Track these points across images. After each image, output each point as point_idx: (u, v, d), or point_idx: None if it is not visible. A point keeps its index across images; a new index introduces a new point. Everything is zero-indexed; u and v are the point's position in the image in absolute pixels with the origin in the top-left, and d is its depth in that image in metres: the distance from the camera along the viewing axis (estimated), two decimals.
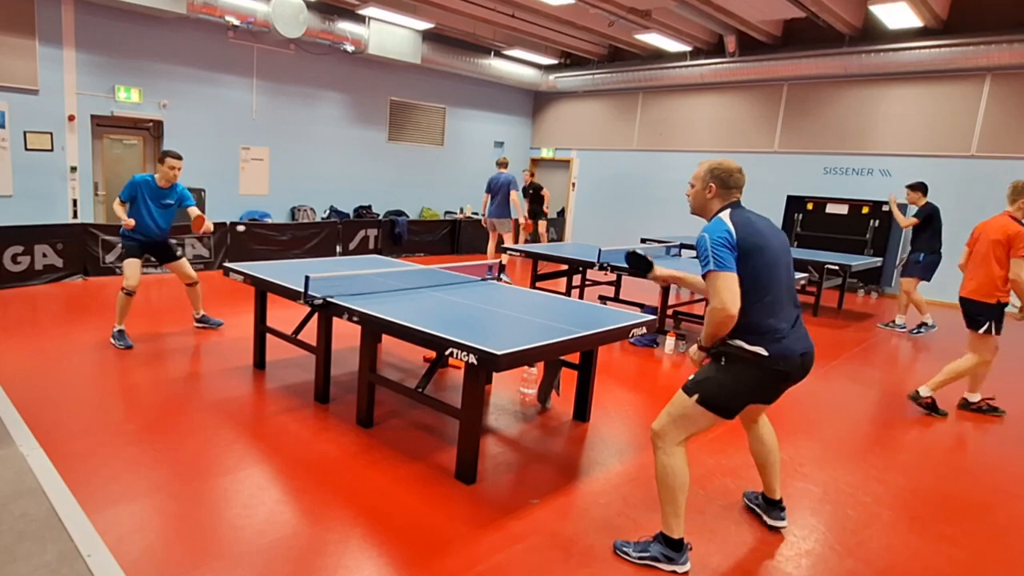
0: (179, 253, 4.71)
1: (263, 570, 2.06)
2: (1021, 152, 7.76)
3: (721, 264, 1.98)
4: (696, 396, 2.11)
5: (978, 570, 2.35)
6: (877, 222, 8.36)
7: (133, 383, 3.68)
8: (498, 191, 7.95)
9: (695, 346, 2.21)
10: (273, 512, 2.39)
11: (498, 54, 10.73)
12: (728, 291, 1.97)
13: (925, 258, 6.14)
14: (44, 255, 6.26)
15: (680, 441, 2.16)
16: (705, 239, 2.04)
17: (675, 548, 2.17)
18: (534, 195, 9.40)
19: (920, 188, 6.16)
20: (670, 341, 5.11)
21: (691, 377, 2.18)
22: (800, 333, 2.11)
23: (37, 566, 1.97)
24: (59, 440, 2.86)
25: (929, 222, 6.10)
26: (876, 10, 7.28)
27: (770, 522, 2.51)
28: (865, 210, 8.54)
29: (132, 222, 4.31)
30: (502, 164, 8.02)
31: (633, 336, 3.10)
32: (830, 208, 8.86)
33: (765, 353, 2.02)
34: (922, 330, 6.29)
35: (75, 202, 7.48)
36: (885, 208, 8.34)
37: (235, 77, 8.55)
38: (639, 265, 2.51)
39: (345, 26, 8.67)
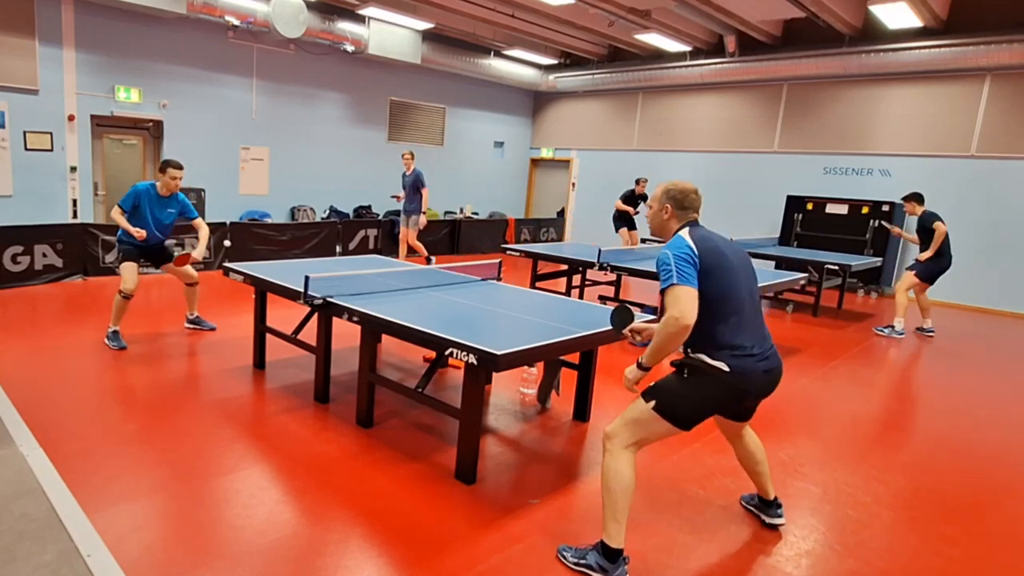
0: (175, 253, 4.69)
1: (263, 570, 2.06)
2: (1021, 152, 7.76)
3: (683, 278, 1.98)
4: (653, 403, 2.09)
5: (978, 570, 2.35)
6: (877, 222, 8.34)
7: (133, 383, 3.68)
8: (408, 186, 7.57)
9: (632, 366, 2.12)
10: (273, 512, 2.39)
11: (498, 54, 10.73)
12: (687, 302, 1.95)
13: (927, 263, 6.06)
14: (44, 255, 6.25)
15: (629, 445, 2.12)
16: (668, 255, 2.03)
17: (610, 558, 2.07)
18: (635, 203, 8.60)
19: (915, 198, 6.09)
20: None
21: (653, 383, 2.16)
22: (766, 350, 2.10)
23: (37, 566, 1.97)
24: (59, 440, 2.86)
25: (925, 233, 6.03)
26: (876, 10, 7.28)
27: (768, 520, 2.53)
28: (865, 210, 8.53)
29: (143, 233, 4.29)
30: (410, 157, 7.49)
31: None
32: (830, 208, 8.85)
33: (726, 369, 2.02)
34: (885, 331, 6.16)
35: (75, 202, 7.49)
36: (885, 208, 8.35)
37: (235, 77, 8.55)
38: (623, 319, 2.46)
39: (345, 26, 8.67)
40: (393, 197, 8.05)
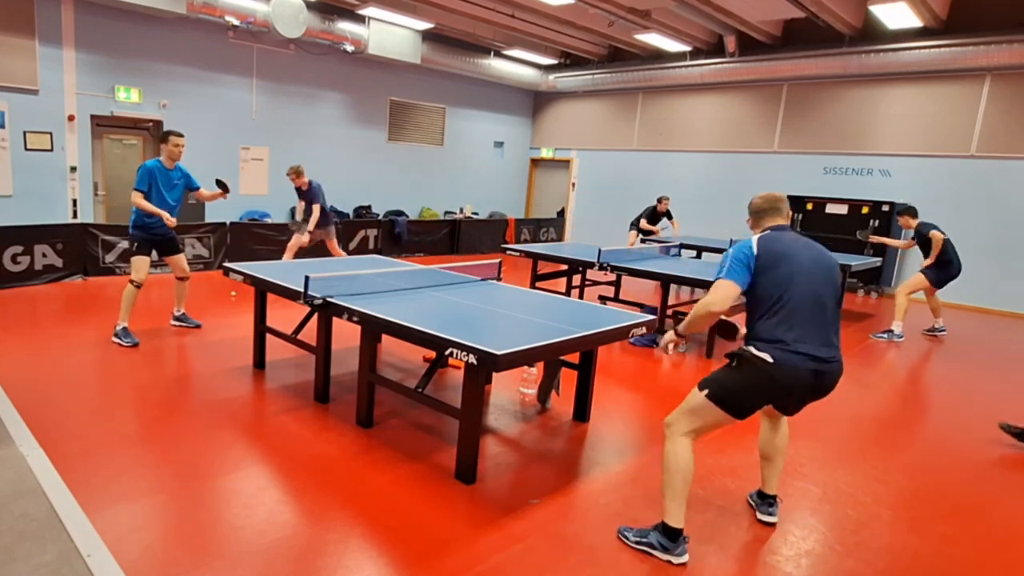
0: (181, 248, 4.77)
1: (263, 570, 2.05)
2: (1020, 152, 7.76)
3: (730, 273, 2.19)
4: (706, 391, 2.21)
5: (978, 570, 2.35)
6: (877, 222, 8.35)
7: (133, 383, 3.68)
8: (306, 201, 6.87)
9: (671, 331, 2.39)
10: (273, 512, 2.39)
11: (498, 54, 10.72)
12: (722, 294, 2.16)
13: (933, 270, 6.02)
14: (44, 255, 6.25)
15: (686, 432, 2.24)
16: (728, 253, 2.26)
17: (671, 537, 2.20)
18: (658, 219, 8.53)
19: (907, 212, 6.07)
20: (672, 345, 5.09)
21: (708, 375, 2.28)
22: (822, 354, 2.13)
23: (37, 566, 1.97)
24: (59, 440, 2.86)
25: (925, 243, 6.02)
26: (876, 10, 7.27)
27: (760, 517, 2.55)
28: (865, 210, 8.53)
29: (168, 216, 4.33)
30: (294, 175, 6.72)
31: (633, 336, 3.11)
32: (830, 208, 8.86)
33: (770, 359, 2.11)
34: (884, 336, 6.12)
35: (75, 202, 7.48)
36: (885, 208, 8.35)
37: (235, 77, 8.55)
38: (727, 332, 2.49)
39: (345, 26, 8.67)
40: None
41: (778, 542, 2.45)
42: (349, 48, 8.84)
